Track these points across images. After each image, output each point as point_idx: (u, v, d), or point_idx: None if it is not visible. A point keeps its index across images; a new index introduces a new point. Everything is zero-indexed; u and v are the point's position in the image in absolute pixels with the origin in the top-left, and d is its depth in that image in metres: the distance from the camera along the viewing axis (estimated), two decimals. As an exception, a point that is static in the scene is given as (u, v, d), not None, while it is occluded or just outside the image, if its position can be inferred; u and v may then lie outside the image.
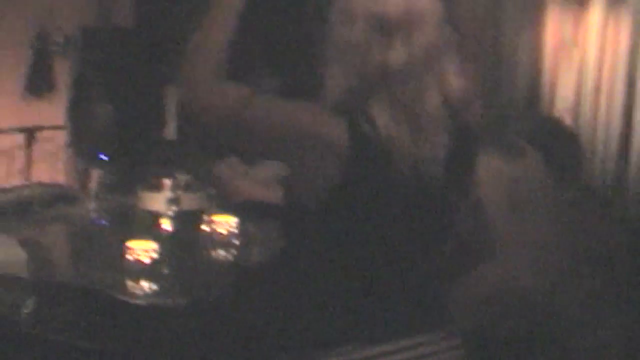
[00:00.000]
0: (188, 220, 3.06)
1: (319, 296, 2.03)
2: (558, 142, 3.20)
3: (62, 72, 6.20)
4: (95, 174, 4.22)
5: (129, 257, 2.75)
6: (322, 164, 1.93)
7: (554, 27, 5.26)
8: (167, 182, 3.18)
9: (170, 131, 5.32)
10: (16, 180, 5.82)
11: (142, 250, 2.75)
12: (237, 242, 3.13)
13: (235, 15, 2.06)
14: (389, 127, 1.93)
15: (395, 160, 1.93)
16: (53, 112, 6.09)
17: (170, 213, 2.97)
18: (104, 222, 3.88)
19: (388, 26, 1.96)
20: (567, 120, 4.90)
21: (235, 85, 2.01)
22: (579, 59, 5.19)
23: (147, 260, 2.75)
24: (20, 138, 5.51)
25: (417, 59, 1.96)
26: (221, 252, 3.08)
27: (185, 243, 2.98)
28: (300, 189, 2.03)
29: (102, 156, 4.57)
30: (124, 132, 5.42)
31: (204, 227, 3.12)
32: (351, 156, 1.91)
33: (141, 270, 2.74)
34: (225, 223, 3.12)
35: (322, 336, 2.01)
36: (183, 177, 3.28)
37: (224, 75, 2.03)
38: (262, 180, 4.04)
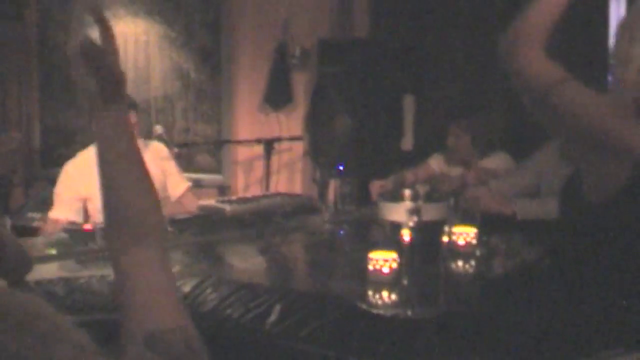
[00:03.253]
0: (428, 231, 3.03)
1: (586, 303, 2.01)
2: None
3: (300, 85, 6.35)
4: (334, 185, 4.29)
5: (369, 267, 2.76)
6: (614, 164, 1.89)
7: None
8: (407, 192, 3.18)
9: (408, 142, 5.32)
10: (256, 191, 6.01)
11: (383, 260, 2.75)
12: (478, 253, 3.08)
13: None
14: None
15: None
16: (291, 123, 6.24)
17: (410, 223, 2.95)
18: (342, 232, 3.93)
19: None
20: None
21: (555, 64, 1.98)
22: None
23: (387, 271, 2.75)
24: (259, 149, 5.67)
25: None
26: (461, 264, 3.05)
27: (426, 254, 2.95)
28: (588, 187, 1.98)
29: (341, 167, 4.63)
30: (361, 143, 5.46)
31: (444, 237, 3.08)
32: None
33: (382, 281, 2.74)
34: (465, 234, 3.08)
35: (581, 343, 1.98)
36: (423, 188, 3.27)
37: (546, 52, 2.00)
38: (503, 192, 3.97)
